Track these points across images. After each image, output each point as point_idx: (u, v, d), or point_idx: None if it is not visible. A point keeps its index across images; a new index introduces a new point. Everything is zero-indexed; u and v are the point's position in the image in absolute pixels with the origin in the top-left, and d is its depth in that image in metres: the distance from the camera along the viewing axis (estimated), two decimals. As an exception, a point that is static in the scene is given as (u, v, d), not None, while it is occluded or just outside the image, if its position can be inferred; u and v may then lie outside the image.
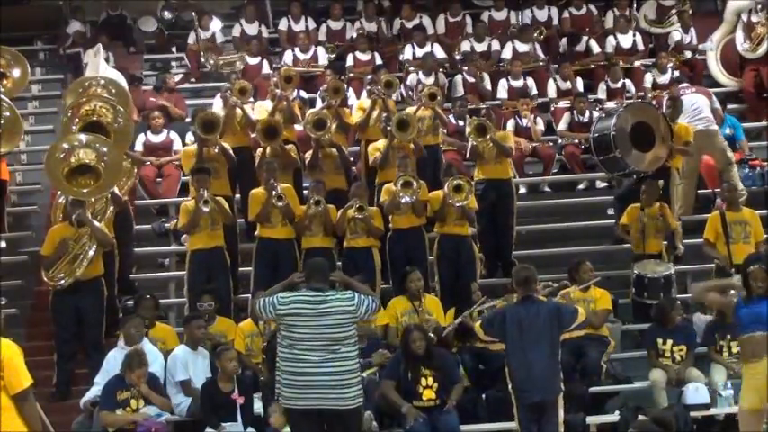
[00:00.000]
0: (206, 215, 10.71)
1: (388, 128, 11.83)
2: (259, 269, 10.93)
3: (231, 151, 11.64)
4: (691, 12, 15.72)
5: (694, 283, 9.03)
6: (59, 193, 11.04)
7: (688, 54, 15.26)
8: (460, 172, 11.73)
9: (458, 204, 10.82)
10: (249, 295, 10.91)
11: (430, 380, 9.32)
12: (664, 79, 14.47)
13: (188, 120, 13.94)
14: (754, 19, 14.65)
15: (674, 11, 15.81)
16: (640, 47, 15.34)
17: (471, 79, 14.40)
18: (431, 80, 14.03)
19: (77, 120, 10.58)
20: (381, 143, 11.93)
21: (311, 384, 7.53)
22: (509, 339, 8.32)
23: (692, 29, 15.49)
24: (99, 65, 12.41)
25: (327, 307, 7.62)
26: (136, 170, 12.05)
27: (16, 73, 12.07)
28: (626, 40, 15.34)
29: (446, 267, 11.05)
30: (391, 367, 9.49)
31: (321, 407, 7.55)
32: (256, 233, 11.09)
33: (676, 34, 15.50)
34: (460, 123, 13.04)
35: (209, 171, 11.07)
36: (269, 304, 7.76)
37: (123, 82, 12.24)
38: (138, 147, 13.17)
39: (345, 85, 13.71)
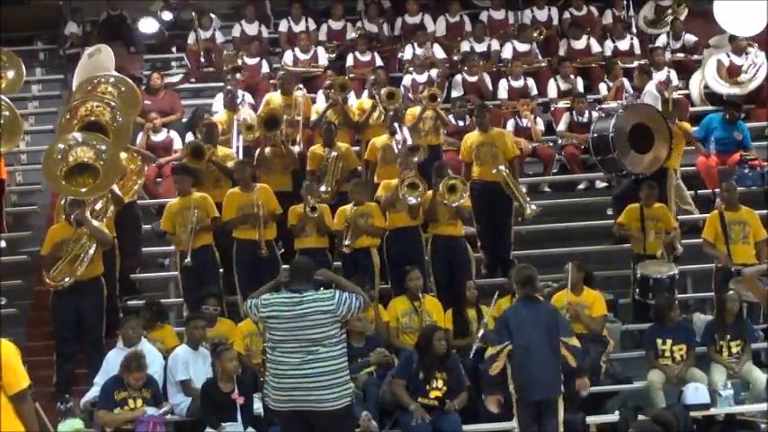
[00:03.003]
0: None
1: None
2: (240, 271, 10.93)
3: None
4: (687, 12, 15.72)
5: (748, 269, 8.87)
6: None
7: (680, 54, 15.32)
8: (456, 171, 11.75)
9: (453, 204, 10.82)
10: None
11: (440, 382, 9.38)
12: (660, 76, 14.49)
13: (184, 120, 13.97)
14: (737, 62, 14.54)
15: (669, 11, 15.82)
16: (637, 50, 15.35)
17: (471, 79, 14.40)
18: (424, 78, 14.05)
19: (76, 121, 10.59)
20: (382, 139, 11.94)
21: (292, 386, 7.47)
22: (514, 339, 8.30)
23: (685, 35, 15.49)
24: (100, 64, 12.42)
25: (304, 308, 7.50)
26: (146, 168, 12.03)
27: (11, 74, 12.03)
28: (623, 44, 15.36)
29: (440, 268, 11.05)
30: (403, 366, 9.54)
31: (303, 408, 7.48)
32: (234, 234, 11.04)
33: (663, 38, 15.52)
34: (460, 123, 13.06)
35: (193, 171, 11.13)
36: (254, 306, 7.73)
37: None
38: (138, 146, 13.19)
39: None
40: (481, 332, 9.91)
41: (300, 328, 7.48)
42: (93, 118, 10.59)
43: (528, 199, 11.59)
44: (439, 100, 12.39)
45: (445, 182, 10.83)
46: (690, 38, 15.51)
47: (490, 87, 14.51)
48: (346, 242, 10.77)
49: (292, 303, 7.56)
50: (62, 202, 11.02)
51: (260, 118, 11.84)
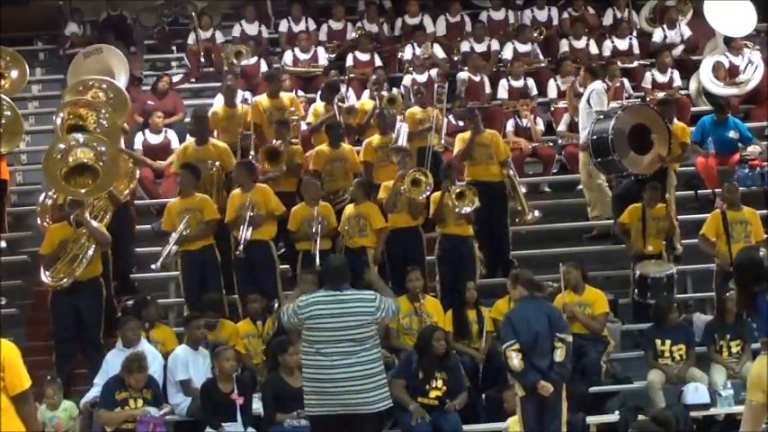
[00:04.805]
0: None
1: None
2: (238, 272, 10.92)
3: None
4: (692, 11, 15.74)
5: None
6: (43, 194, 11.09)
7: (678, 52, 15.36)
8: (459, 171, 11.76)
9: (464, 212, 10.84)
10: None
11: (440, 382, 9.40)
12: (663, 78, 14.52)
13: (187, 120, 13.97)
14: (736, 61, 14.54)
15: (675, 10, 15.84)
16: (636, 50, 15.36)
17: (476, 78, 14.41)
18: (424, 78, 14.06)
19: (67, 113, 10.63)
20: (377, 140, 11.99)
21: (336, 390, 7.41)
22: (519, 337, 8.31)
23: (680, 26, 15.52)
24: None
25: (347, 307, 7.46)
26: (138, 171, 12.03)
27: (14, 74, 12.07)
28: (623, 44, 15.37)
29: (447, 267, 11.05)
30: (403, 366, 9.56)
31: (346, 412, 7.42)
32: (233, 234, 11.00)
33: (659, 33, 15.54)
34: (460, 124, 13.06)
35: (199, 171, 11.15)
36: (292, 312, 7.63)
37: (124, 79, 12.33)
38: (137, 146, 13.19)
39: (346, 86, 13.79)
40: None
41: (342, 328, 7.40)
42: (80, 122, 10.62)
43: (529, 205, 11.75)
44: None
45: (453, 190, 10.86)
46: (685, 29, 15.53)
47: (487, 89, 14.52)
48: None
49: (334, 302, 7.48)
50: (48, 201, 11.06)
51: (261, 153, 11.83)
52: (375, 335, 7.58)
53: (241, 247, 10.61)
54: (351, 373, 7.37)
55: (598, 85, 12.54)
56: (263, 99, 12.70)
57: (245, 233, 10.65)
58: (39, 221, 11.30)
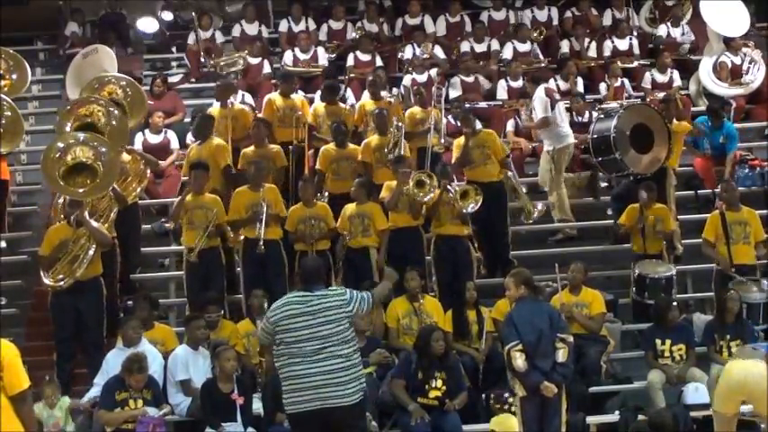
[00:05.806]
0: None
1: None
2: (247, 269, 10.94)
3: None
4: (691, 11, 15.76)
5: None
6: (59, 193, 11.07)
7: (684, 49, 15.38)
8: (459, 172, 11.76)
9: (469, 210, 10.85)
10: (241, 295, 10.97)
11: (439, 382, 9.38)
12: (663, 78, 14.53)
13: (187, 120, 13.97)
14: (737, 60, 14.58)
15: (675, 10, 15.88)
16: (636, 50, 15.37)
17: (468, 79, 14.41)
18: (424, 78, 14.06)
19: (73, 118, 10.61)
20: (375, 140, 11.99)
21: (311, 385, 7.44)
22: (522, 337, 8.30)
23: (684, 25, 15.53)
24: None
25: (316, 305, 7.52)
26: (149, 172, 12.02)
27: (15, 76, 12.06)
28: (623, 44, 15.38)
29: (443, 268, 11.05)
30: (402, 366, 9.55)
31: (324, 406, 7.44)
32: (241, 232, 11.03)
33: (662, 29, 15.55)
34: (459, 124, 13.06)
35: (208, 167, 11.13)
36: (266, 322, 7.67)
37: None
38: (137, 146, 13.18)
39: (345, 86, 13.78)
40: None
41: (313, 326, 7.46)
42: (89, 120, 10.61)
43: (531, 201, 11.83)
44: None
45: (458, 190, 10.88)
46: (687, 29, 15.56)
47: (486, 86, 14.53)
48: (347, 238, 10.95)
49: (305, 301, 7.56)
50: (60, 201, 11.04)
51: None
52: (350, 328, 7.59)
53: (261, 242, 10.62)
54: (325, 367, 7.42)
55: (540, 92, 12.59)
56: (276, 97, 12.74)
57: (262, 230, 10.67)
58: (52, 219, 11.25)
